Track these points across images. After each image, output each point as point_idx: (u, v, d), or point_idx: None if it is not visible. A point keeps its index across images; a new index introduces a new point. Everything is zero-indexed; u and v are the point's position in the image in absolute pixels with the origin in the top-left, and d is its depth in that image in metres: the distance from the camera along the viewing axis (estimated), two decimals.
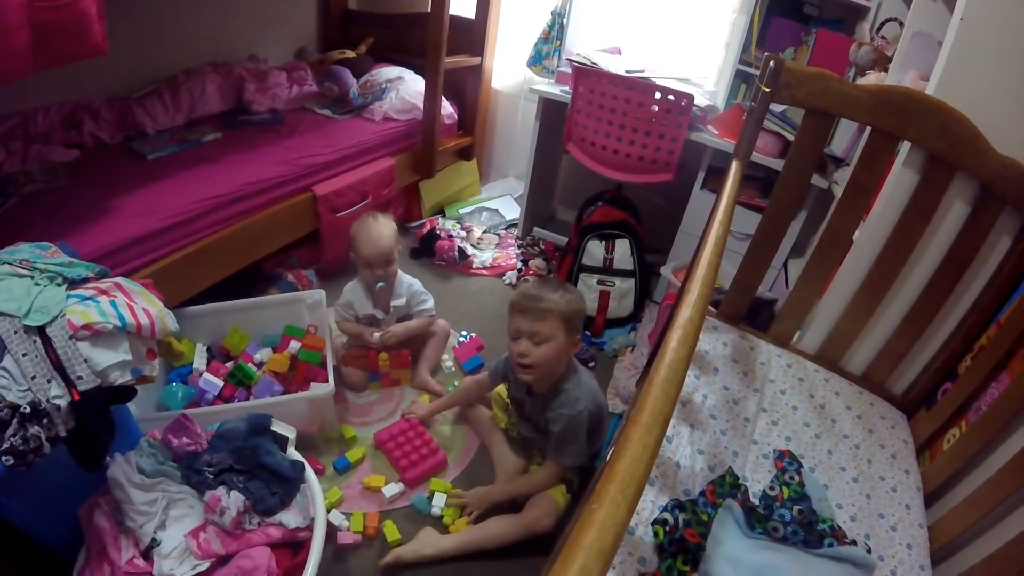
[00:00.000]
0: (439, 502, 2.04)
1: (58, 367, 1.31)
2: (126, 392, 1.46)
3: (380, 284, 2.46)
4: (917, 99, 1.69)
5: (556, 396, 1.97)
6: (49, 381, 1.30)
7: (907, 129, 1.73)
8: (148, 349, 1.52)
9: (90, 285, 1.49)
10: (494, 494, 2.09)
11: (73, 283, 1.47)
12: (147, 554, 1.54)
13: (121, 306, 1.45)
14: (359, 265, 2.46)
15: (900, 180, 1.82)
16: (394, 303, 2.54)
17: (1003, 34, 1.59)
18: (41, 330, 1.33)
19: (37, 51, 1.64)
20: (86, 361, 1.34)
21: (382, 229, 2.40)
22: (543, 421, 2.02)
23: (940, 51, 1.71)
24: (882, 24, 2.53)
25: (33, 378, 1.28)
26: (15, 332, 1.31)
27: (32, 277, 1.42)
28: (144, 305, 1.52)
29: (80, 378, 1.32)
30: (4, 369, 1.27)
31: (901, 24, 2.34)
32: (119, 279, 1.57)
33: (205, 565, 1.54)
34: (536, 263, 3.43)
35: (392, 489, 2.08)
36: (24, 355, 1.29)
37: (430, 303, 2.64)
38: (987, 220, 1.71)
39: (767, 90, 1.82)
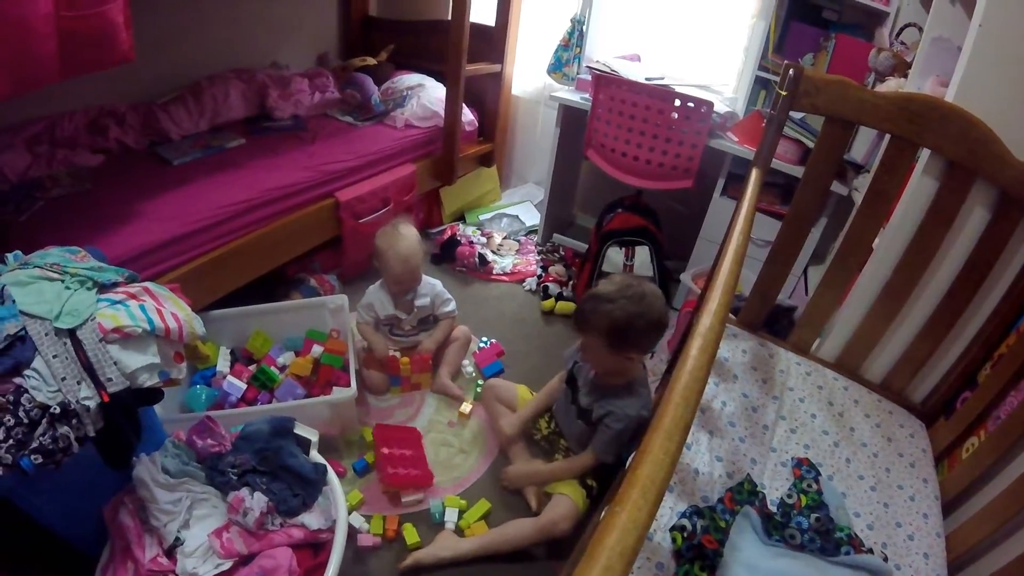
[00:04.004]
0: (452, 517, 2.05)
1: (88, 369, 1.34)
2: (154, 394, 1.49)
3: (405, 297, 2.52)
4: (936, 106, 1.69)
5: (628, 395, 1.96)
6: (79, 382, 1.32)
7: (926, 136, 1.73)
8: (175, 352, 1.55)
9: (119, 289, 1.52)
10: (532, 475, 2.13)
11: (103, 287, 1.50)
12: (170, 552, 1.56)
13: (150, 310, 1.48)
14: (384, 275, 2.49)
15: (920, 187, 1.82)
16: (418, 303, 2.56)
17: (1022, 40, 1.58)
18: (72, 333, 1.36)
19: (65, 59, 1.67)
20: (115, 363, 1.37)
21: (410, 246, 2.43)
22: (594, 410, 1.99)
23: (959, 57, 1.71)
24: (901, 29, 2.52)
25: (63, 379, 1.31)
26: (46, 334, 1.34)
27: (63, 281, 1.45)
28: (172, 309, 1.55)
29: (109, 380, 1.35)
30: (35, 370, 1.30)
31: (920, 29, 2.33)
32: (148, 284, 1.59)
33: (228, 564, 1.57)
34: (556, 269, 3.43)
35: (410, 495, 2.09)
36: (55, 357, 1.32)
37: (452, 305, 2.66)
38: (1007, 227, 1.70)
39: (783, 93, 1.83)
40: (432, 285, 2.62)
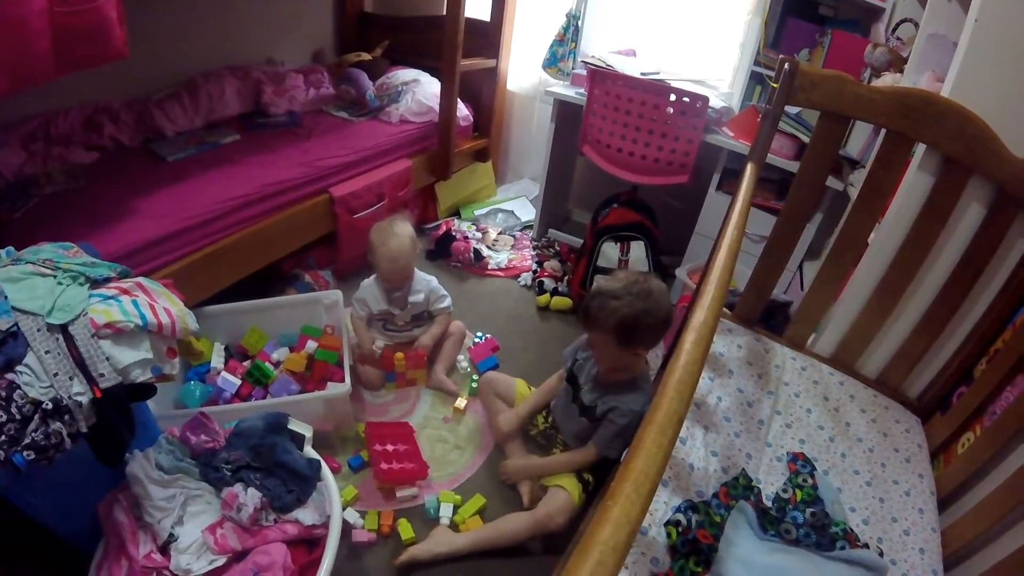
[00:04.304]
0: (446, 512, 2.05)
1: (80, 364, 1.33)
2: (146, 390, 1.48)
3: (396, 294, 2.52)
4: (932, 101, 1.69)
5: (631, 390, 1.96)
6: (71, 378, 1.32)
7: (922, 131, 1.73)
8: (168, 348, 1.54)
9: (112, 285, 1.51)
10: (531, 468, 2.14)
11: (95, 283, 1.49)
12: (164, 549, 1.55)
13: (143, 305, 1.47)
14: (376, 270, 2.49)
15: (916, 182, 1.82)
16: (412, 299, 2.55)
17: (1018, 35, 1.58)
18: (64, 328, 1.35)
19: (59, 56, 1.66)
20: (108, 359, 1.36)
21: (400, 244, 2.40)
22: (598, 406, 1.99)
23: (955, 52, 1.70)
24: (897, 25, 2.52)
25: (55, 375, 1.30)
26: (38, 330, 1.33)
27: (55, 276, 1.45)
28: (165, 305, 1.54)
29: (102, 375, 1.34)
30: (27, 366, 1.29)
31: (916, 25, 2.33)
32: (141, 279, 1.59)
33: (222, 560, 1.55)
34: (551, 265, 3.44)
35: (404, 490, 2.09)
36: (47, 352, 1.31)
37: (447, 301, 2.67)
38: (1003, 222, 1.70)
39: (775, 85, 1.83)
40: (427, 281, 2.61)
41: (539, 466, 2.13)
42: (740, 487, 1.61)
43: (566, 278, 3.34)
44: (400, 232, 2.41)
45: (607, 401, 1.96)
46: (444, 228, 3.64)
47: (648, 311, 1.78)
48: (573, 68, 3.40)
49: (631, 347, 1.85)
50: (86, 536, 1.59)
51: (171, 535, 1.57)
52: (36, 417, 1.27)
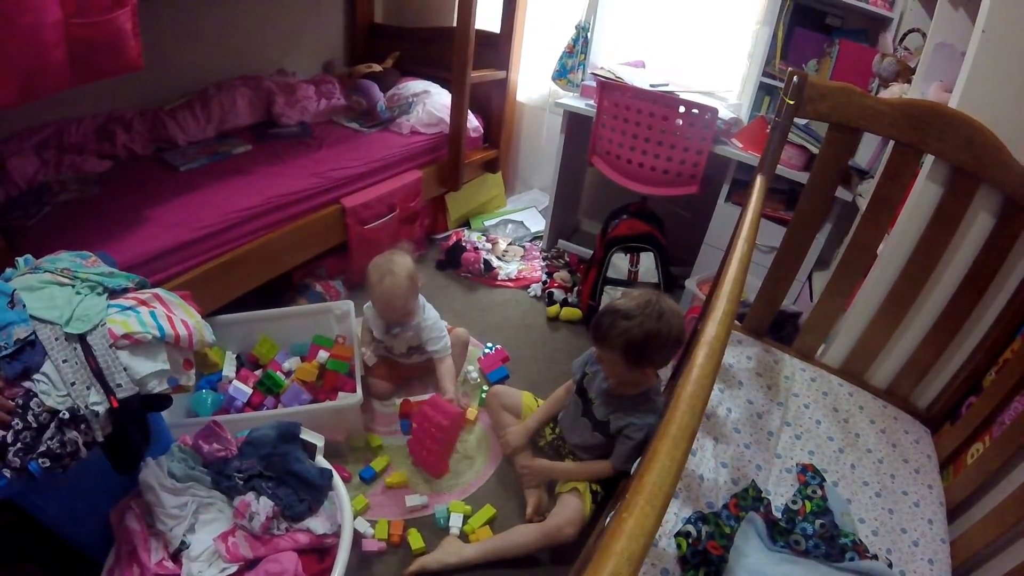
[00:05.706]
0: (456, 522, 2.05)
1: (98, 374, 1.35)
2: (162, 400, 1.49)
3: (396, 330, 2.44)
4: (940, 112, 1.69)
5: (644, 404, 1.96)
6: (88, 388, 1.33)
7: (930, 142, 1.73)
8: (185, 359, 1.55)
9: (130, 295, 1.53)
10: (555, 470, 2.14)
11: (113, 293, 1.51)
12: (176, 557, 1.57)
13: (160, 317, 1.48)
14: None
15: (924, 193, 1.82)
16: (398, 335, 2.46)
17: None
18: (82, 338, 1.37)
19: (74, 67, 1.68)
20: (125, 369, 1.38)
21: (396, 285, 2.26)
22: (609, 421, 1.99)
23: (963, 62, 1.71)
24: (905, 35, 2.52)
25: (73, 384, 1.32)
26: (56, 339, 1.35)
27: (73, 286, 1.46)
28: (182, 316, 1.55)
29: (119, 386, 1.36)
30: (44, 375, 1.31)
31: (924, 35, 2.33)
32: (158, 290, 1.60)
33: (233, 568, 1.57)
34: (561, 275, 3.44)
35: (414, 499, 2.11)
36: (64, 361, 1.33)
37: (442, 343, 2.45)
38: (1012, 232, 1.70)
39: (791, 102, 1.84)
40: (419, 321, 2.43)
41: (562, 470, 2.13)
42: (750, 498, 1.61)
43: (576, 289, 3.34)
44: (398, 271, 2.27)
45: (620, 417, 1.96)
46: (454, 239, 3.66)
47: (658, 332, 1.78)
48: (582, 80, 3.42)
49: (639, 367, 1.85)
50: (97, 543, 1.60)
51: (183, 543, 1.58)
52: (52, 425, 1.28)
